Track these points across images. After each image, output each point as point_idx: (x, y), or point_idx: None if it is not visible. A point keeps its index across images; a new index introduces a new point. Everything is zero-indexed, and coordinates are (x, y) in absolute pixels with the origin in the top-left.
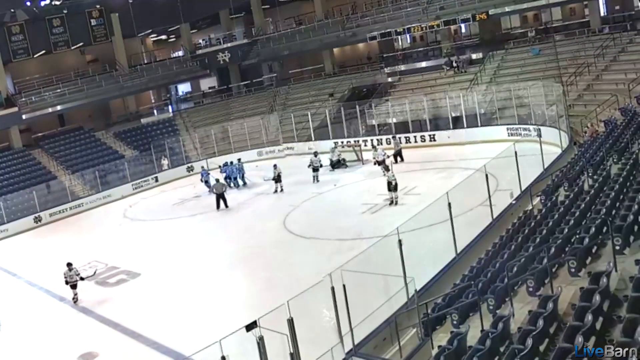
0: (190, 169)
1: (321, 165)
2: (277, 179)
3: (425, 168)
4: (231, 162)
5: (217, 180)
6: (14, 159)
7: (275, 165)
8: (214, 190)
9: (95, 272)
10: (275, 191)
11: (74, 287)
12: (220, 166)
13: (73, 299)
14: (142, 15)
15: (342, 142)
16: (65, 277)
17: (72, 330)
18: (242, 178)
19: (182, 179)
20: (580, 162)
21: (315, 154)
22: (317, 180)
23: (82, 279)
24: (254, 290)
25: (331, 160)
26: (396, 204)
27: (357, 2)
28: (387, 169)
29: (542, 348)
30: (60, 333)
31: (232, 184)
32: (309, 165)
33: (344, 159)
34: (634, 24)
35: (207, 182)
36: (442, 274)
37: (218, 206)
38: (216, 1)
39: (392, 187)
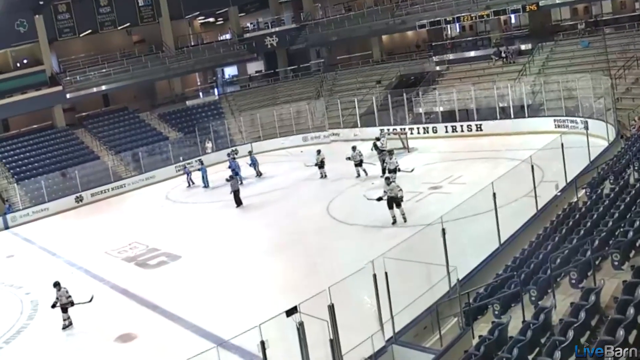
0: (234, 152)
1: (362, 161)
2: (321, 164)
3: (471, 157)
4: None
5: (231, 177)
6: (57, 138)
7: (318, 151)
8: (231, 187)
9: (91, 299)
10: (321, 177)
11: (64, 310)
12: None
13: (63, 325)
14: None
15: (388, 130)
16: (56, 298)
17: (110, 311)
18: (256, 168)
19: (226, 162)
20: (626, 156)
21: (354, 148)
22: (365, 174)
23: (72, 304)
24: (294, 275)
25: (376, 147)
26: (405, 220)
27: None
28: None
29: (583, 340)
30: (99, 314)
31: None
32: (348, 158)
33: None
34: None
35: (234, 171)
36: (485, 264)
37: (238, 204)
38: None
39: (397, 202)
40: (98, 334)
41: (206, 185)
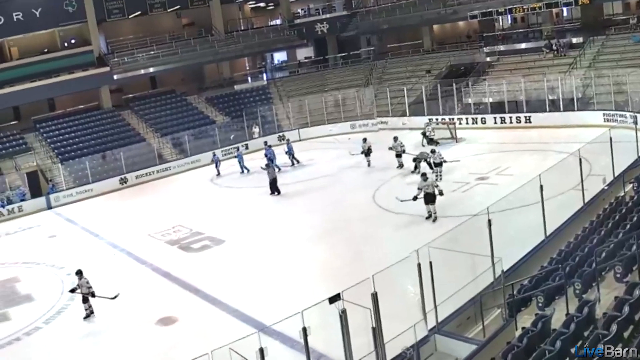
0: (281, 138)
1: (404, 151)
2: (367, 153)
3: (519, 149)
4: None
5: (268, 165)
6: (103, 119)
7: (364, 139)
8: (268, 175)
9: (116, 296)
10: (368, 165)
11: (84, 300)
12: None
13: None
14: None
15: (437, 120)
16: (77, 285)
17: (152, 293)
18: (292, 157)
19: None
20: None
21: (395, 138)
22: (402, 166)
23: (93, 295)
24: (337, 263)
25: (425, 135)
26: (435, 220)
27: None
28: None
29: (626, 334)
30: (140, 296)
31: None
32: (390, 148)
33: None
34: None
35: (270, 159)
36: (530, 256)
37: (273, 192)
38: None
39: (431, 197)
40: (139, 317)
41: (243, 171)
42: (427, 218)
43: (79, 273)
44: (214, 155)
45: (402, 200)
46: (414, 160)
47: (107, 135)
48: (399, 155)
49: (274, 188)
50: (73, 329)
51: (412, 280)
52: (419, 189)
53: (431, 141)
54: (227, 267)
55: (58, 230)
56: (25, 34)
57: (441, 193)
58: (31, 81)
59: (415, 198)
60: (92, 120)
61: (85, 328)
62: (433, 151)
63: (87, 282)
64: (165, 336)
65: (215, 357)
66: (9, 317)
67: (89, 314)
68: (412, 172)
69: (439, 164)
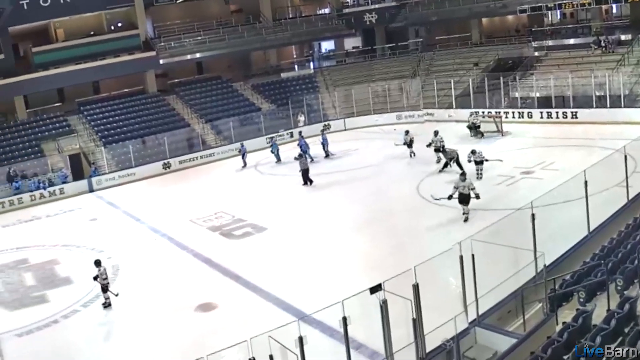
0: (327, 127)
1: (443, 147)
2: (409, 144)
3: (565, 144)
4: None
5: (300, 155)
6: (148, 103)
7: (407, 132)
8: (300, 165)
9: (117, 294)
10: (410, 156)
11: (104, 290)
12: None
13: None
14: None
15: (483, 112)
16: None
17: (192, 279)
18: (326, 148)
19: (317, 136)
20: None
21: (436, 132)
22: (440, 161)
23: (105, 288)
24: (379, 253)
25: (474, 124)
26: (466, 220)
27: None
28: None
29: None
30: (181, 282)
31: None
32: (428, 145)
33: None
34: None
35: (303, 149)
36: (573, 251)
37: (305, 182)
38: None
39: (466, 198)
40: (178, 302)
41: (279, 160)
42: (465, 221)
43: (98, 263)
44: (242, 145)
45: (436, 199)
46: (435, 150)
47: (151, 120)
48: (437, 150)
49: (306, 178)
50: (111, 312)
51: (453, 272)
52: (455, 187)
53: (477, 130)
54: (269, 255)
55: (99, 213)
56: (72, 15)
57: (477, 197)
58: (76, 63)
59: (450, 197)
60: (136, 104)
61: (124, 312)
62: (474, 151)
63: (105, 273)
64: (204, 322)
65: (254, 344)
66: (48, 299)
67: (107, 305)
68: (437, 163)
69: (480, 162)
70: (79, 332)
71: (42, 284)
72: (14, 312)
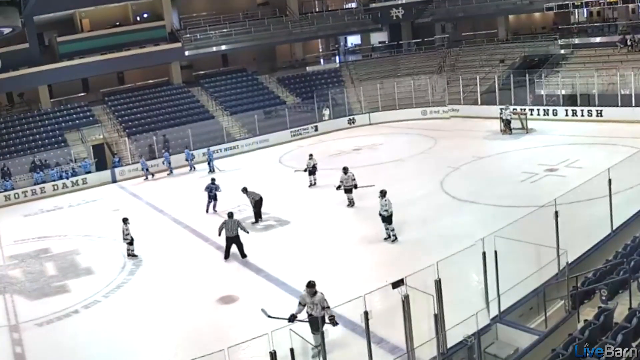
0: (351, 122)
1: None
2: (312, 171)
3: (590, 142)
4: None
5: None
6: (172, 94)
7: (310, 155)
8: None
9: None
10: (310, 184)
11: (130, 243)
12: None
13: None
14: None
15: (514, 108)
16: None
17: (214, 271)
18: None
19: (341, 130)
20: None
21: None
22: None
23: (131, 242)
24: (401, 248)
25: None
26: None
27: None
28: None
29: None
30: (202, 274)
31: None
32: (338, 187)
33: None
34: None
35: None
36: (596, 249)
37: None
38: None
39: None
40: (200, 294)
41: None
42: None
43: (125, 221)
44: (209, 150)
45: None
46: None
47: (176, 111)
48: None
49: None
50: (132, 304)
51: (475, 268)
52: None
53: (508, 124)
54: (291, 248)
55: (122, 204)
56: (98, 6)
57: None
58: (101, 54)
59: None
60: (161, 95)
61: (145, 303)
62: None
63: (127, 230)
64: (225, 314)
65: (275, 337)
66: (69, 289)
67: (131, 254)
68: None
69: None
70: (100, 322)
71: (63, 273)
72: (35, 301)
